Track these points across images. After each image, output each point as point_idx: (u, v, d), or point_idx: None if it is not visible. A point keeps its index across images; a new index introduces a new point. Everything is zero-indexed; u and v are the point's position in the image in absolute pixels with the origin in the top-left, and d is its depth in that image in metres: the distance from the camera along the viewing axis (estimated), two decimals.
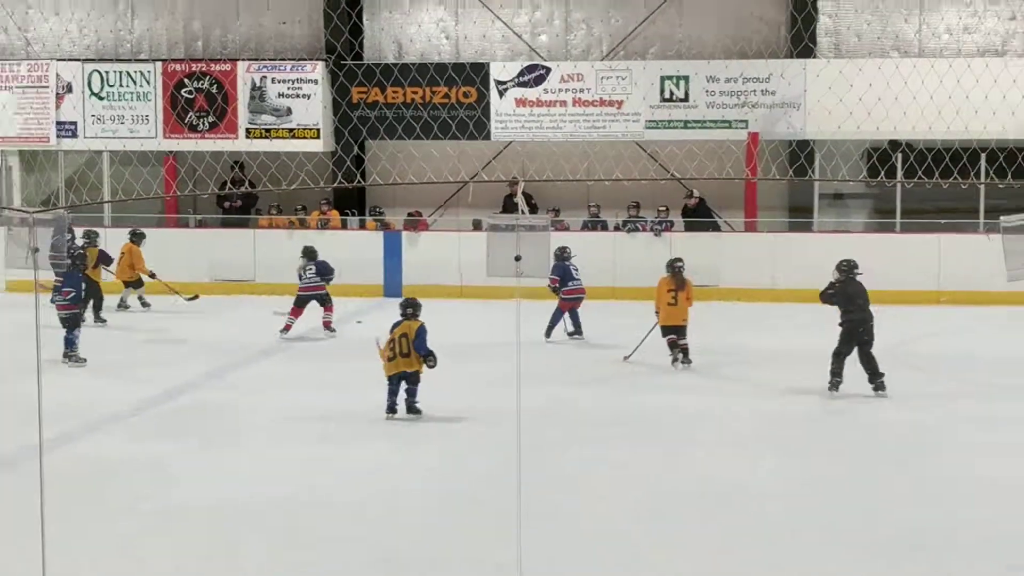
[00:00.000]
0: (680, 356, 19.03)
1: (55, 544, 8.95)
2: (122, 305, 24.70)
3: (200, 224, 29.57)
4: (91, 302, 22.44)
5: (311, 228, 27.22)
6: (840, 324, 17.22)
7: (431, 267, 25.86)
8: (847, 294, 17.25)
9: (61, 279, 19.18)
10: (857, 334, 17.14)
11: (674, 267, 19.39)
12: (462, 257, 25.48)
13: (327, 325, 22.09)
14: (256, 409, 16.65)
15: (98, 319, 22.90)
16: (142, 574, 10.46)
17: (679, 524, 11.69)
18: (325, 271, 21.89)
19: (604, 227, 27.30)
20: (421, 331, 15.57)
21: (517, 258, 8.97)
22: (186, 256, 26.30)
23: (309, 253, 22.01)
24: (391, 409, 15.74)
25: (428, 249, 26.75)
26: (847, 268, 17.36)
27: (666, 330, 19.23)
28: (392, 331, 15.76)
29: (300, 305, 21.80)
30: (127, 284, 24.64)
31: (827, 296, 17.37)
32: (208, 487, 13.02)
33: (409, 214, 28.05)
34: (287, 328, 21.63)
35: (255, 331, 22.37)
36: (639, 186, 27.33)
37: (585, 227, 27.29)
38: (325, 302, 21.95)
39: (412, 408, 15.77)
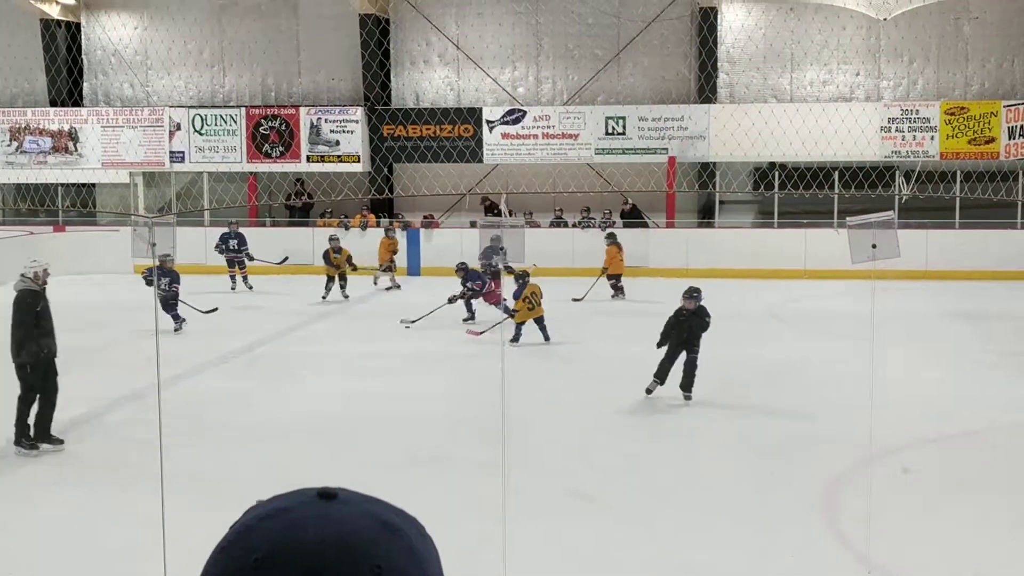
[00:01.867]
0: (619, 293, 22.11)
1: (173, 451, 9.21)
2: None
3: (273, 224, 29.86)
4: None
5: (354, 227, 27.46)
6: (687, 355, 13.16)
7: (441, 254, 26.18)
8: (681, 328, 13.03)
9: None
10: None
11: (617, 243, 22.35)
12: (464, 247, 25.81)
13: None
14: (314, 355, 16.85)
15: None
16: (236, 472, 10.56)
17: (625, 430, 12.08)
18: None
19: (565, 225, 27.70)
20: (539, 290, 17.15)
21: (501, 249, 9.47)
22: (264, 246, 26.62)
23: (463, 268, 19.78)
24: (516, 339, 17.00)
25: (439, 242, 27.06)
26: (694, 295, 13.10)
27: (614, 277, 22.33)
28: (522, 293, 16.92)
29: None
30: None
31: (664, 336, 13.11)
32: (279, 410, 13.30)
33: (425, 217, 28.38)
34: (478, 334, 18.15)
35: (315, 299, 22.36)
36: (590, 196, 27.74)
37: (551, 225, 27.72)
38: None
39: (547, 337, 17.18)
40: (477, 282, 19.28)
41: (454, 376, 15.15)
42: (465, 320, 19.29)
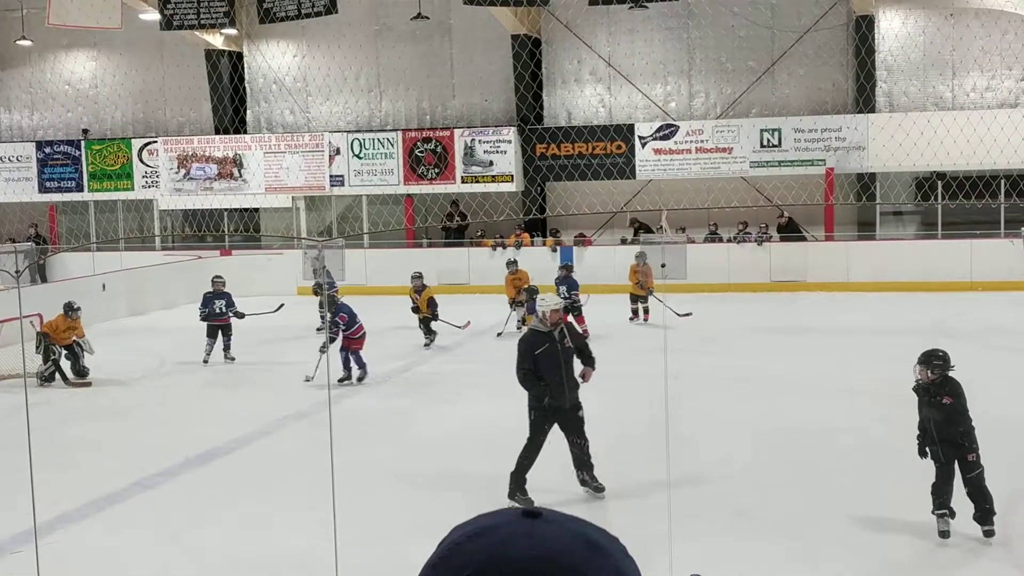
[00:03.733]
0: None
1: (341, 459, 9.42)
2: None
3: (429, 244, 30.27)
4: None
5: (509, 246, 27.65)
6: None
7: (595, 271, 26.18)
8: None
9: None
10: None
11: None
12: (616, 264, 25.80)
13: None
14: (468, 375, 16.99)
15: None
16: (399, 481, 10.93)
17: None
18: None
19: (720, 240, 27.42)
20: None
21: (663, 265, 9.56)
22: (419, 266, 26.97)
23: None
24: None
25: (591, 259, 27.05)
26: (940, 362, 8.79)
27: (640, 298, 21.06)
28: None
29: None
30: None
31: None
32: (435, 426, 13.59)
33: (577, 235, 28.44)
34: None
35: (471, 317, 21.53)
36: (745, 210, 27.42)
37: (706, 240, 27.45)
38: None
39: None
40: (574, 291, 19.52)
41: (613, 394, 15.10)
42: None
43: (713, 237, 27.57)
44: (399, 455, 12.16)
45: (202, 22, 27.85)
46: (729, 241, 27.18)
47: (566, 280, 19.96)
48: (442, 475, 11.24)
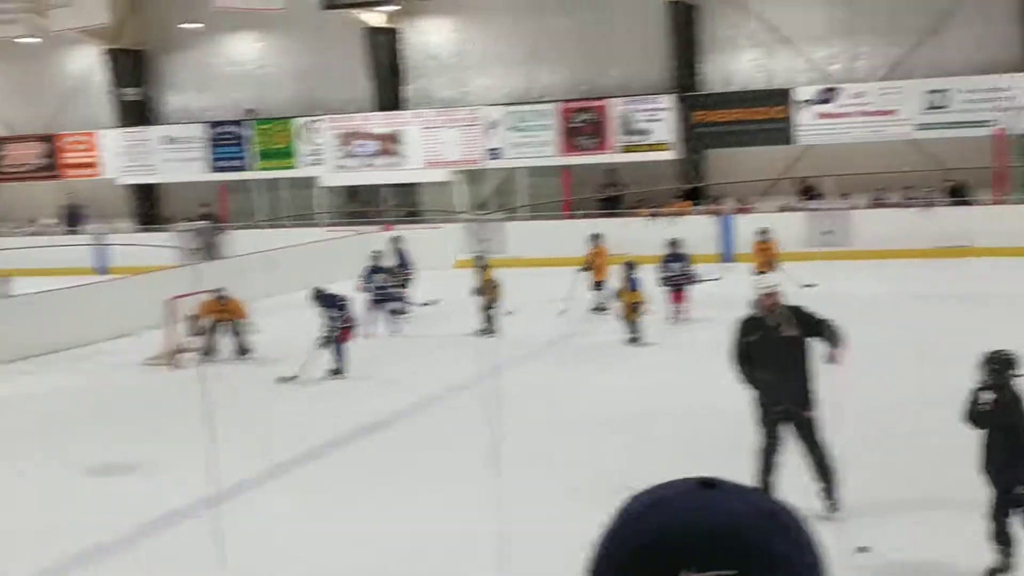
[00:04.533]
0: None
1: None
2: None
3: (584, 216, 30.22)
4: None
5: (664, 216, 27.42)
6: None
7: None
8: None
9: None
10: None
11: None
12: (778, 231, 25.40)
13: None
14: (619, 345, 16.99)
15: None
16: (568, 455, 11.07)
17: None
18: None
19: (886, 205, 26.71)
20: None
21: (829, 232, 9.31)
22: (577, 238, 27.02)
23: None
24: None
25: (750, 227, 26.59)
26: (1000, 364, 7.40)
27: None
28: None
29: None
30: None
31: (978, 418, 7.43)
32: (601, 403, 13.56)
33: (737, 203, 28.09)
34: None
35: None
36: (911, 174, 26.65)
37: (871, 205, 26.78)
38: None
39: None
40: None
41: None
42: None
43: (878, 202, 26.90)
44: (564, 427, 12.26)
45: (362, 0, 28.33)
46: (894, 206, 26.48)
47: (681, 257, 18.74)
48: (609, 445, 11.30)
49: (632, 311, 16.72)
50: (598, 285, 19.49)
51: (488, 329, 18.08)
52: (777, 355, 8.58)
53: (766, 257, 19.93)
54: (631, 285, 16.78)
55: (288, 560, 8.63)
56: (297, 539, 9.11)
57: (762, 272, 19.38)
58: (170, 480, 10.72)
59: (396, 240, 21.88)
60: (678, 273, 18.30)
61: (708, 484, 1.23)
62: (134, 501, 10.25)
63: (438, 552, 8.61)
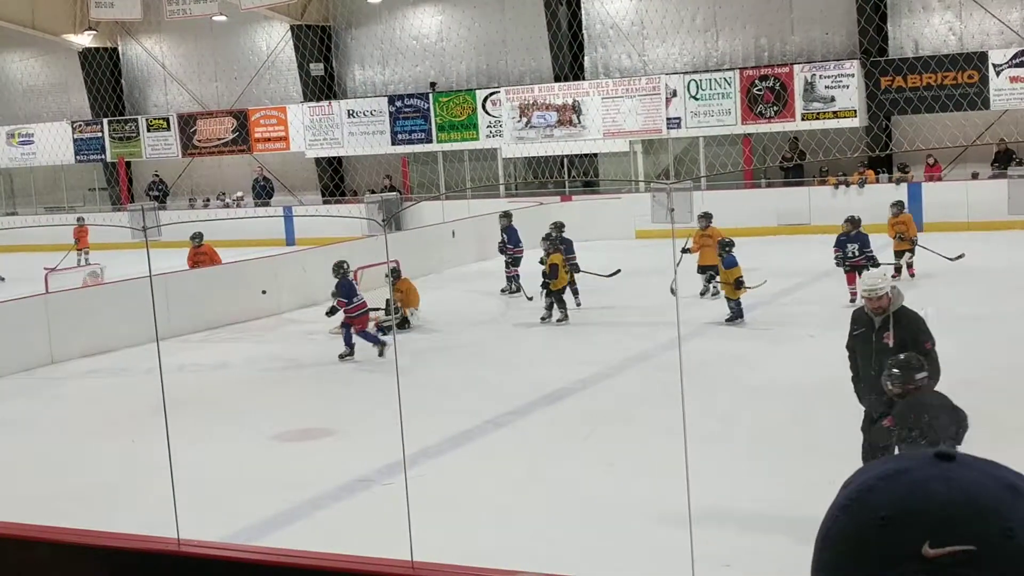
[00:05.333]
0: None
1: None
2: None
3: (768, 185, 29.79)
4: None
5: (853, 184, 26.79)
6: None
7: (947, 208, 25.04)
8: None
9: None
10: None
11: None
12: (970, 199, 24.58)
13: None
14: (815, 313, 16.59)
15: None
16: (744, 427, 10.97)
17: None
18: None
19: None
20: None
21: None
22: (758, 208, 26.69)
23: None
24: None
25: (942, 195, 25.80)
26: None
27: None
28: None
29: None
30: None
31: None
32: (779, 373, 13.37)
33: (928, 169, 27.22)
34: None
35: (813, 260, 20.52)
36: None
37: None
38: None
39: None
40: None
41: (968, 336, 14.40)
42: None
43: None
44: (744, 401, 12.12)
45: None
46: None
47: (858, 237, 17.24)
48: (786, 424, 11.13)
49: (733, 288, 16.34)
50: (702, 269, 18.60)
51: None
52: (869, 357, 8.02)
53: (898, 232, 18.88)
54: (727, 263, 16.35)
55: (475, 526, 8.74)
56: (483, 507, 9.23)
57: (898, 251, 18.76)
58: (359, 447, 10.98)
59: (505, 217, 21.37)
60: (853, 255, 17.17)
61: (946, 456, 1.18)
62: (322, 467, 10.54)
63: (631, 523, 8.60)
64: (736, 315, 16.36)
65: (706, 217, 18.79)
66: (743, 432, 10.89)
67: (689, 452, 7.30)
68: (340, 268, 15.87)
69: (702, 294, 18.53)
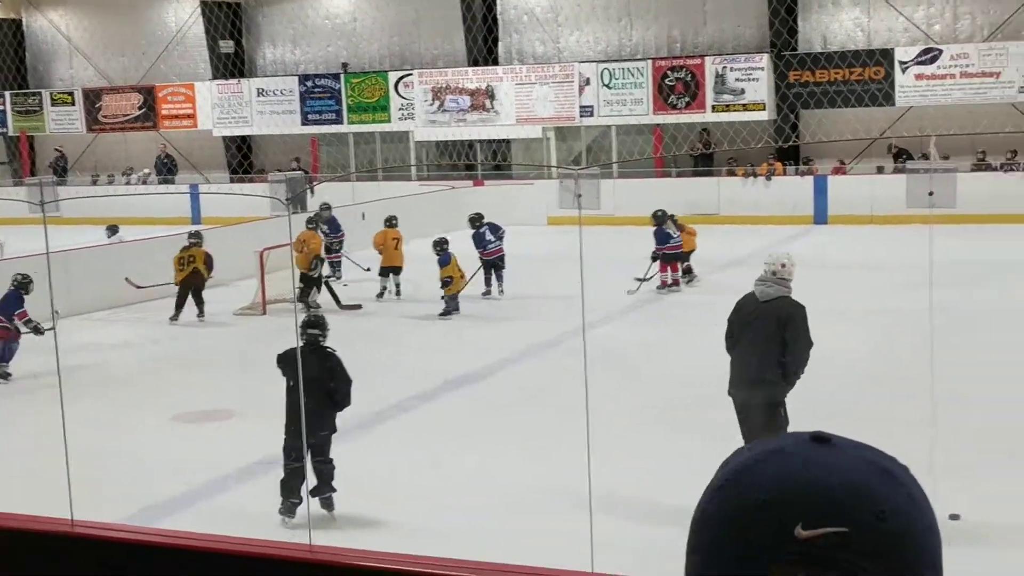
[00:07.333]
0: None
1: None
2: None
3: (678, 175, 30.03)
4: None
5: (761, 175, 27.13)
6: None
7: (849, 202, 25.51)
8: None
9: None
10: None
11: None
12: (873, 193, 25.01)
13: None
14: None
15: None
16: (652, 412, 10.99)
17: None
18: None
19: (989, 168, 26.07)
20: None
21: (930, 193, 9.01)
22: (668, 198, 26.86)
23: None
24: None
25: (846, 189, 26.25)
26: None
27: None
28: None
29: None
30: None
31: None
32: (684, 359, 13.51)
33: (836, 164, 27.67)
34: None
35: (721, 250, 21.13)
36: (1015, 138, 25.97)
37: (973, 169, 26.14)
38: None
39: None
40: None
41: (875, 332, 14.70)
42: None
43: (980, 165, 26.29)
44: (647, 387, 12.23)
45: None
46: (997, 170, 25.85)
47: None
48: (688, 409, 11.25)
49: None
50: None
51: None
52: None
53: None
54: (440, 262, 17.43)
55: (375, 511, 8.70)
56: (386, 491, 9.19)
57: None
58: (261, 429, 10.85)
59: (324, 208, 21.36)
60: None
61: (822, 439, 1.18)
62: (225, 449, 10.42)
63: (538, 504, 8.63)
64: (448, 310, 17.00)
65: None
66: (650, 417, 10.98)
67: (595, 437, 7.35)
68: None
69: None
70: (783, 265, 8.44)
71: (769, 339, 8.19)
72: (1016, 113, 26.48)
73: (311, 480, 8.58)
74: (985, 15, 27.39)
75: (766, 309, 8.22)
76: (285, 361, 8.64)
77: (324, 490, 8.72)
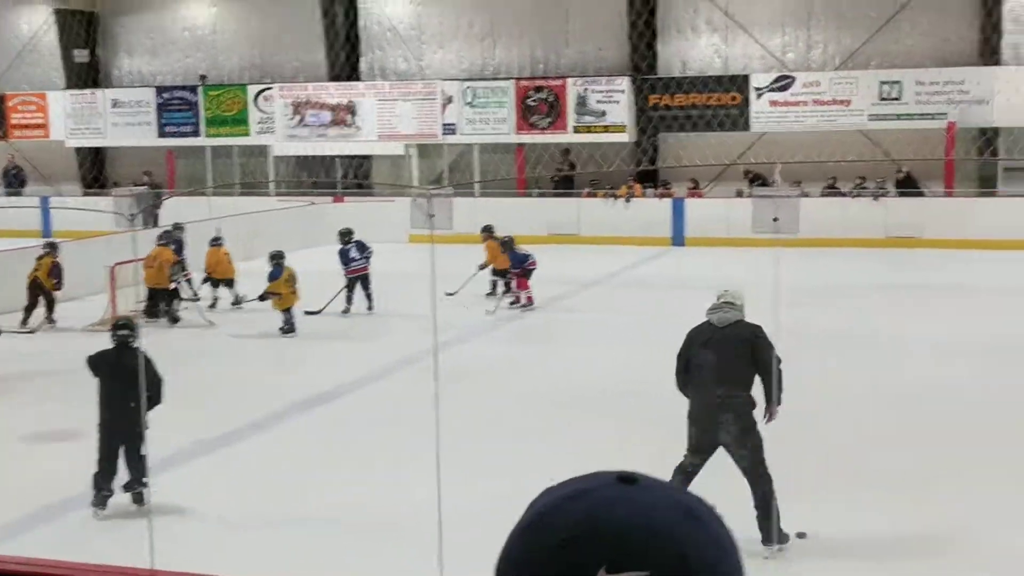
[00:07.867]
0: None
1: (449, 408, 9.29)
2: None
3: (540, 195, 30.22)
4: None
5: (620, 197, 27.47)
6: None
7: (706, 224, 26.01)
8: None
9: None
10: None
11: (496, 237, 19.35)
12: (730, 217, 25.52)
13: None
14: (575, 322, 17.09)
15: None
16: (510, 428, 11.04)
17: None
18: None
19: (839, 194, 26.85)
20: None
21: (775, 219, 9.21)
22: (529, 217, 27.02)
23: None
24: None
25: (703, 211, 26.76)
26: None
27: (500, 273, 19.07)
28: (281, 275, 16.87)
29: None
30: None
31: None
32: (546, 377, 13.58)
33: (690, 187, 28.17)
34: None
35: (581, 270, 21.86)
36: (863, 165, 26.84)
37: (823, 194, 26.91)
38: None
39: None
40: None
41: None
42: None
43: (830, 191, 27.06)
44: (509, 404, 12.25)
45: None
46: (846, 195, 26.64)
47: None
48: (548, 426, 11.31)
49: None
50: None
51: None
52: None
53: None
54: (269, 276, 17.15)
55: (223, 534, 8.54)
56: (233, 513, 9.03)
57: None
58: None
59: (176, 228, 20.72)
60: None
61: (629, 479, 1.18)
62: (74, 470, 10.10)
63: (392, 523, 8.56)
64: (287, 328, 16.59)
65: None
66: (508, 432, 11.01)
67: (453, 452, 7.34)
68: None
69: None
70: (733, 294, 8.42)
71: (735, 362, 8.03)
72: (865, 140, 27.35)
73: (123, 475, 8.88)
74: (837, 44, 28.24)
75: (728, 333, 8.08)
76: (95, 362, 9.05)
77: (135, 485, 9.01)
